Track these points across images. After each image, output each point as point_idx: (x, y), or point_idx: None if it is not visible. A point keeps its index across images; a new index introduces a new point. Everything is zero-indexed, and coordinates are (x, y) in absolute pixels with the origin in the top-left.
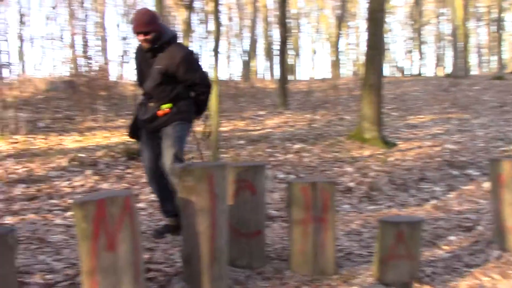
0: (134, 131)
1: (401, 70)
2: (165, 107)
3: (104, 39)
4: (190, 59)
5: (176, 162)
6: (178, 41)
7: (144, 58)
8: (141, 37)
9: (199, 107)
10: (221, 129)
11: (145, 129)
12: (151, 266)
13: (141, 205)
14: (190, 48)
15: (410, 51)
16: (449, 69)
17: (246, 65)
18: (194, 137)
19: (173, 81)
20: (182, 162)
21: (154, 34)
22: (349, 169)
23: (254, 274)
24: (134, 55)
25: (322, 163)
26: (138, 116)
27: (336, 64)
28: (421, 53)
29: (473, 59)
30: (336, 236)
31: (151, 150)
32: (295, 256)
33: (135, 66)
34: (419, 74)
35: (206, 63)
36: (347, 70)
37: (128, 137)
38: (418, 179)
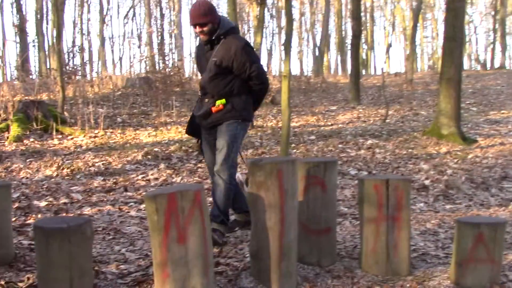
0: (191, 128)
1: (481, 63)
2: (219, 103)
3: (179, 37)
4: (246, 51)
5: (226, 164)
6: (236, 33)
7: (203, 52)
8: (198, 29)
9: (253, 104)
10: (292, 124)
11: (202, 126)
12: (220, 260)
13: (212, 199)
14: (246, 40)
15: (492, 43)
16: None
17: (318, 60)
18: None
19: (229, 75)
20: (234, 163)
21: (211, 26)
22: (424, 166)
23: (323, 272)
24: (195, 51)
25: (396, 160)
26: (194, 112)
27: (411, 58)
28: (504, 45)
29: None
30: (410, 235)
31: (210, 148)
32: (366, 255)
33: (195, 62)
34: (502, 67)
35: (277, 58)
36: (423, 64)
37: (186, 134)
38: (500, 178)
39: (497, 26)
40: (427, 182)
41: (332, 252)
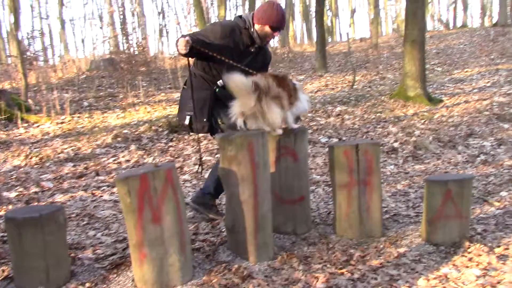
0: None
1: (444, 23)
2: None
3: (141, 15)
4: None
5: None
6: None
7: (241, 43)
8: (276, 34)
9: None
10: None
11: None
12: (197, 237)
13: (185, 177)
14: None
15: (453, 3)
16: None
17: (283, 29)
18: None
19: None
20: None
21: None
22: (393, 129)
23: (299, 240)
24: (228, 32)
25: (365, 125)
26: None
27: (375, 22)
28: (465, 3)
29: None
30: (382, 197)
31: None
32: (340, 221)
33: (226, 44)
34: (464, 26)
35: None
36: (387, 28)
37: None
38: (466, 135)
39: None
40: (396, 144)
41: (306, 220)
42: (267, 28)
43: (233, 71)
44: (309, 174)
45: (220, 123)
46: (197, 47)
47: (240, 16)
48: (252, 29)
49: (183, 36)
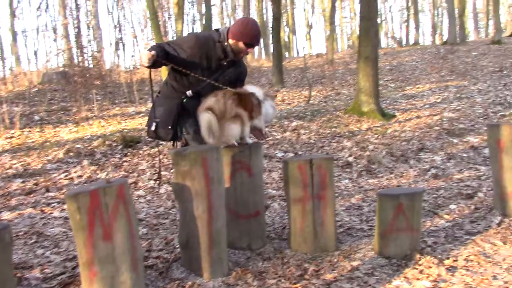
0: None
1: (397, 40)
2: None
3: (97, 28)
4: None
5: None
6: None
7: (214, 54)
8: (250, 50)
9: None
10: None
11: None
12: (150, 254)
13: (139, 192)
14: None
15: (406, 21)
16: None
17: None
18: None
19: None
20: None
21: None
22: (347, 143)
23: (254, 255)
24: (201, 43)
25: (320, 139)
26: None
27: (331, 39)
28: (417, 22)
29: (470, 25)
30: (336, 212)
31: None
32: (295, 235)
33: (198, 55)
34: (416, 44)
35: None
36: (343, 44)
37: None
38: (417, 150)
39: (410, 4)
40: (350, 159)
41: (262, 235)
42: (241, 44)
43: (202, 84)
44: (264, 188)
45: (185, 133)
46: (162, 61)
47: (217, 30)
48: (226, 43)
49: (153, 47)
